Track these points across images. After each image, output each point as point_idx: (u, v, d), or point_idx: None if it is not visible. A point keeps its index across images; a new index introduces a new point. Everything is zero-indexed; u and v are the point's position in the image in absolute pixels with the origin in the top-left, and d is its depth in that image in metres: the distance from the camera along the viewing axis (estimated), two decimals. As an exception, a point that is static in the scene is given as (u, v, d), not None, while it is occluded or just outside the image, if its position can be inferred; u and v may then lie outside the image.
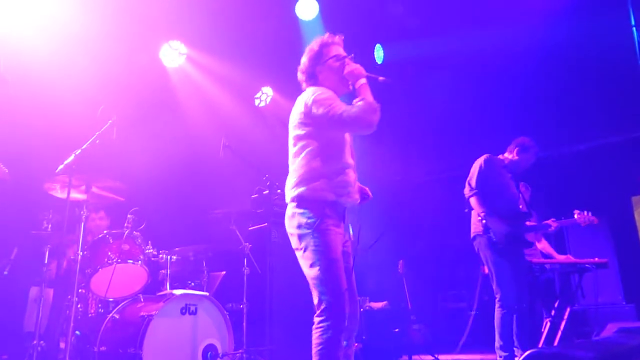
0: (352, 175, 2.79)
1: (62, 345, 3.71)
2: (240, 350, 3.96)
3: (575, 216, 4.52)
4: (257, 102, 6.95)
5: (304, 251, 2.63)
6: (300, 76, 2.95)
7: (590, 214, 4.52)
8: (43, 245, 3.97)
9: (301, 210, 2.65)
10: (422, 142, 7.73)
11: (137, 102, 5.42)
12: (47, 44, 4.86)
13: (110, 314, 3.75)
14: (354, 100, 2.73)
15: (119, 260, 3.89)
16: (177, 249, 4.28)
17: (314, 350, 2.51)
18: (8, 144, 4.69)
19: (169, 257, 4.19)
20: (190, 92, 6.26)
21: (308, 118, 2.72)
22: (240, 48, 5.97)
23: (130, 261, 3.95)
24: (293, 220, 2.68)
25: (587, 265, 4.55)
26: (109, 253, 3.94)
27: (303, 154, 2.72)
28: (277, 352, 4.38)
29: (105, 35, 5.17)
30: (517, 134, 4.36)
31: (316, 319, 2.55)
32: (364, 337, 5.24)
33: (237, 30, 5.92)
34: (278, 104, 6.86)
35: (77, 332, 3.72)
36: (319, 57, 2.88)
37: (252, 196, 4.87)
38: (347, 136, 2.86)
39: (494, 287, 3.95)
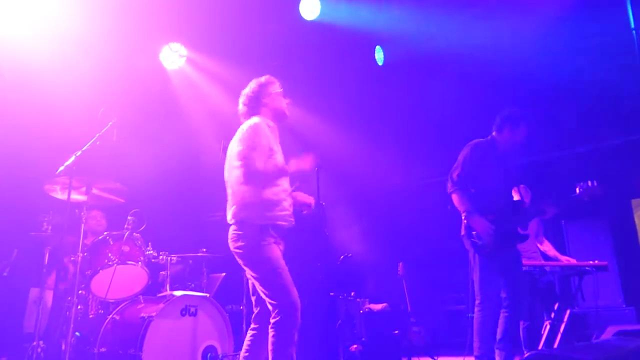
0: (288, 199, 3.09)
1: (62, 346, 3.71)
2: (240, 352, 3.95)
3: (577, 191, 3.84)
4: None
5: (252, 268, 2.93)
6: (242, 107, 3.28)
7: (594, 183, 3.80)
8: (43, 246, 3.98)
9: (241, 232, 2.95)
10: (423, 145, 7.73)
11: (138, 104, 5.43)
12: (47, 46, 4.86)
13: (111, 315, 3.75)
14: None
15: (119, 262, 3.89)
16: (175, 256, 4.29)
17: (270, 347, 2.81)
18: (9, 146, 4.70)
19: (169, 258, 4.19)
20: (190, 94, 6.27)
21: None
22: (240, 50, 5.97)
23: (131, 262, 3.95)
24: (237, 242, 2.96)
25: (587, 268, 4.54)
26: (109, 254, 3.94)
27: (242, 181, 2.98)
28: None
29: (106, 37, 5.17)
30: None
31: (271, 321, 2.85)
32: (363, 339, 5.24)
33: (238, 32, 5.93)
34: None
35: (77, 333, 3.72)
36: (266, 87, 3.27)
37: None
38: (280, 156, 3.12)
39: (476, 289, 3.62)
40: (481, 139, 3.91)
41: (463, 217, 3.67)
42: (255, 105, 3.21)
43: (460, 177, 3.70)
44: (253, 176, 2.93)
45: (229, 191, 3.08)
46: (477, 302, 3.61)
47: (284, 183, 3.09)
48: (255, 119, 3.09)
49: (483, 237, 3.57)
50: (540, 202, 3.92)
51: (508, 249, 3.71)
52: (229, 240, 3.01)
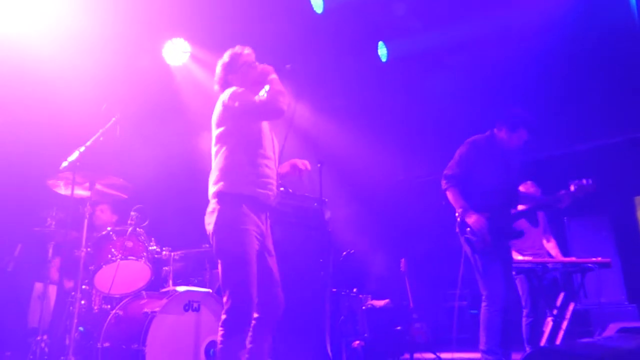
0: (271, 168, 2.90)
1: (66, 341, 3.73)
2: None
3: (571, 188, 3.89)
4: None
5: (218, 249, 2.71)
6: (215, 87, 3.16)
7: (588, 180, 3.86)
8: (47, 242, 3.99)
9: (222, 206, 2.73)
10: (424, 141, 7.72)
11: (141, 100, 5.43)
12: (50, 43, 4.86)
13: (114, 311, 3.77)
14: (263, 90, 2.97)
15: (123, 257, 3.91)
16: (178, 252, 4.29)
17: (218, 347, 2.61)
18: (12, 142, 4.71)
19: (172, 254, 4.20)
20: (194, 90, 6.27)
21: (225, 113, 2.91)
22: (244, 45, 5.96)
23: (134, 258, 3.96)
24: (212, 216, 2.75)
25: (589, 265, 4.53)
26: (113, 250, 3.95)
27: (222, 150, 2.87)
28: (279, 349, 4.40)
29: (109, 33, 5.17)
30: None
31: (222, 317, 2.63)
32: (365, 335, 5.25)
33: (241, 27, 5.92)
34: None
35: (81, 328, 3.74)
36: (230, 66, 3.10)
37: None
38: (266, 130, 2.99)
39: (480, 285, 3.65)
40: (480, 135, 3.92)
41: (457, 214, 3.67)
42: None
43: (455, 174, 3.72)
44: (253, 106, 2.82)
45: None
46: (482, 297, 3.62)
47: (269, 152, 2.92)
48: None
49: (477, 233, 3.56)
50: (555, 193, 3.94)
51: (502, 246, 3.70)
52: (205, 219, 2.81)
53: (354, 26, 6.65)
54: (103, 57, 5.22)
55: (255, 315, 2.75)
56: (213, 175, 2.86)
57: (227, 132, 2.89)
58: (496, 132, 3.90)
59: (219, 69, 3.15)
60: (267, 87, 2.92)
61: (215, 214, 2.73)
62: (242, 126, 2.87)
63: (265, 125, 3.00)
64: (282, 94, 2.86)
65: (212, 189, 2.83)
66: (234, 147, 2.85)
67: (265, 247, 2.88)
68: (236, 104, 2.84)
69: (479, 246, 3.59)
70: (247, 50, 3.13)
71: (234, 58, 3.10)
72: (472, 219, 3.58)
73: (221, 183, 2.78)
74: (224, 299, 2.66)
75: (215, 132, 2.95)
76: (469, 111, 6.67)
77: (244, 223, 2.71)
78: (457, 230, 3.72)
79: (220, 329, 2.61)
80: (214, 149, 2.94)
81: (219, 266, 2.72)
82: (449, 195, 3.73)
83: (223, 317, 2.63)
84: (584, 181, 3.85)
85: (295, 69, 3.04)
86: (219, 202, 2.76)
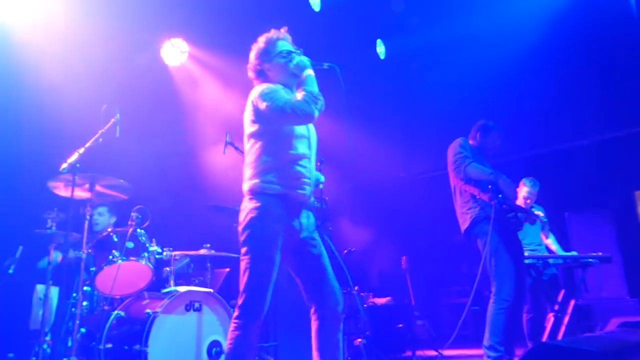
0: (305, 166, 2.78)
1: (68, 343, 3.73)
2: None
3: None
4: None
5: (242, 243, 2.66)
6: (250, 74, 2.96)
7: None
8: (47, 243, 3.99)
9: (251, 204, 2.67)
10: (425, 138, 7.72)
11: (140, 100, 5.43)
12: (49, 43, 4.87)
13: (116, 312, 3.77)
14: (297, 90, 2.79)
15: (124, 258, 3.91)
16: (179, 252, 4.29)
17: (227, 343, 2.58)
18: (12, 143, 4.71)
19: (173, 254, 4.20)
20: (193, 90, 6.27)
21: (256, 115, 2.77)
22: (242, 45, 5.95)
23: (135, 259, 3.96)
24: (242, 213, 2.71)
25: (590, 260, 4.53)
26: (114, 251, 3.96)
27: (255, 148, 2.76)
28: (281, 348, 4.40)
29: (107, 33, 5.17)
30: (521, 128, 4.33)
31: (234, 313, 2.61)
32: (367, 333, 5.25)
33: (239, 26, 5.92)
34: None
35: (83, 330, 3.74)
36: (265, 54, 2.89)
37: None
38: (303, 129, 2.84)
39: (492, 278, 3.61)
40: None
41: (489, 180, 3.63)
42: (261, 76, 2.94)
43: (466, 154, 3.79)
44: (281, 110, 2.65)
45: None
46: (492, 292, 3.61)
47: (303, 150, 2.78)
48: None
49: (509, 199, 3.60)
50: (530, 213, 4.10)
51: (514, 241, 3.73)
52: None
53: (352, 24, 6.65)
54: (102, 58, 5.22)
55: (313, 311, 2.72)
56: (246, 172, 2.79)
57: (258, 131, 2.77)
58: (471, 143, 4.00)
59: (253, 55, 2.94)
60: (300, 92, 2.73)
61: (245, 211, 2.69)
62: (272, 127, 2.75)
63: None
64: (315, 98, 2.71)
65: (244, 185, 2.77)
66: (265, 146, 2.75)
67: (307, 243, 2.78)
68: (264, 105, 2.70)
69: (507, 217, 3.61)
70: (284, 36, 2.92)
71: (269, 44, 2.89)
72: (505, 183, 3.62)
73: (253, 181, 2.72)
74: (239, 294, 2.63)
75: (247, 130, 2.83)
76: (469, 107, 6.67)
77: (273, 221, 2.65)
78: (476, 211, 3.70)
79: (231, 323, 2.61)
80: (246, 146, 2.83)
81: (241, 261, 2.67)
82: (471, 171, 3.73)
83: (235, 312, 2.61)
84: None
85: (332, 67, 2.85)
86: (250, 200, 2.71)
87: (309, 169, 2.81)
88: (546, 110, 6.74)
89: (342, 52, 6.59)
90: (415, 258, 6.58)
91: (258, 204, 2.66)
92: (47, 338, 3.72)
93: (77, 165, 3.59)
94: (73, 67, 4.98)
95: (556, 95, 6.70)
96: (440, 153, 4.37)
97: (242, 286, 2.62)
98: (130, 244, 3.99)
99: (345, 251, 5.61)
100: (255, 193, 2.70)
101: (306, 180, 2.77)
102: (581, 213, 6.70)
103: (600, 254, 4.57)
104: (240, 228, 2.71)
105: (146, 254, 4.04)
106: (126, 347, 3.54)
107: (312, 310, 2.75)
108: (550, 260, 4.71)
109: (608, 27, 5.98)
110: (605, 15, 5.97)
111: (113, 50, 5.29)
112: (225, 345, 2.61)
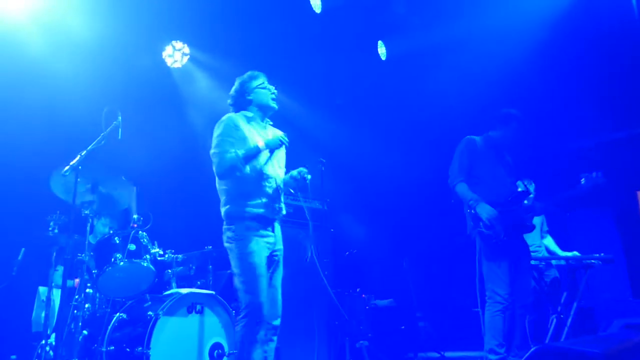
0: (272, 185, 3.19)
1: (70, 345, 3.73)
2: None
3: (582, 181, 3.87)
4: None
5: (233, 261, 3.08)
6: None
7: (599, 173, 3.83)
8: (50, 246, 4.00)
9: (228, 227, 3.13)
10: (427, 139, 7.71)
11: (142, 103, 5.44)
12: (51, 46, 4.88)
13: (118, 314, 3.77)
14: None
15: (126, 260, 3.91)
16: (181, 254, 4.30)
17: (237, 341, 3.04)
18: (14, 146, 4.72)
19: (175, 256, 4.20)
20: (195, 93, 6.27)
21: None
22: (244, 48, 5.97)
23: (137, 261, 3.97)
24: (224, 235, 3.15)
25: (593, 261, 4.52)
26: (116, 253, 3.96)
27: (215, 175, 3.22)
28: (282, 350, 4.39)
29: (109, 36, 5.18)
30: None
31: (238, 317, 3.05)
32: (370, 335, 5.25)
33: (241, 29, 5.93)
34: (282, 103, 6.84)
35: (85, 332, 3.74)
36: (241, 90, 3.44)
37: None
38: (265, 152, 3.23)
39: (486, 284, 3.63)
40: (474, 136, 3.98)
41: (469, 207, 3.65)
42: (241, 102, 3.34)
43: (460, 170, 3.76)
44: (222, 170, 3.12)
45: None
46: (487, 296, 3.61)
47: (260, 166, 3.18)
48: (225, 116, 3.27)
49: (491, 225, 3.55)
50: (546, 200, 3.98)
51: (516, 240, 3.70)
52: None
53: (353, 25, 6.65)
54: (104, 61, 5.23)
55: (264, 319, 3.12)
56: (221, 197, 3.22)
57: None
58: (491, 134, 3.97)
59: (230, 95, 3.46)
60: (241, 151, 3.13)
61: (226, 234, 3.13)
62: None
63: (252, 136, 3.25)
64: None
65: (221, 210, 3.20)
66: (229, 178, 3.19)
67: (272, 260, 3.20)
68: (212, 150, 3.19)
69: (492, 239, 3.58)
70: (259, 79, 3.42)
71: (245, 84, 3.41)
72: (484, 210, 3.58)
73: (227, 207, 3.15)
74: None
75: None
76: (471, 108, 6.66)
77: (252, 236, 3.06)
78: (471, 223, 3.70)
79: (237, 325, 3.03)
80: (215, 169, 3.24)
81: (234, 276, 3.08)
82: (458, 190, 3.75)
83: (239, 316, 3.04)
84: (594, 174, 3.85)
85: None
86: (227, 223, 3.14)
87: (275, 187, 3.22)
88: (548, 110, 6.73)
89: (343, 54, 6.60)
90: (417, 259, 6.57)
91: (236, 226, 3.14)
92: (50, 340, 3.72)
93: (80, 167, 3.59)
94: (75, 69, 4.99)
95: (558, 95, 6.69)
96: (441, 153, 4.37)
97: (241, 296, 3.07)
98: (132, 246, 4.00)
99: (347, 253, 5.61)
100: (230, 217, 3.19)
101: (273, 198, 3.19)
102: (583, 213, 6.69)
103: (602, 255, 4.55)
104: (228, 248, 3.19)
105: (148, 256, 4.04)
106: (128, 350, 3.54)
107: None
108: (553, 262, 4.70)
109: (608, 27, 5.97)
110: (605, 16, 5.96)
111: (115, 53, 5.30)
112: (227, 347, 2.83)
